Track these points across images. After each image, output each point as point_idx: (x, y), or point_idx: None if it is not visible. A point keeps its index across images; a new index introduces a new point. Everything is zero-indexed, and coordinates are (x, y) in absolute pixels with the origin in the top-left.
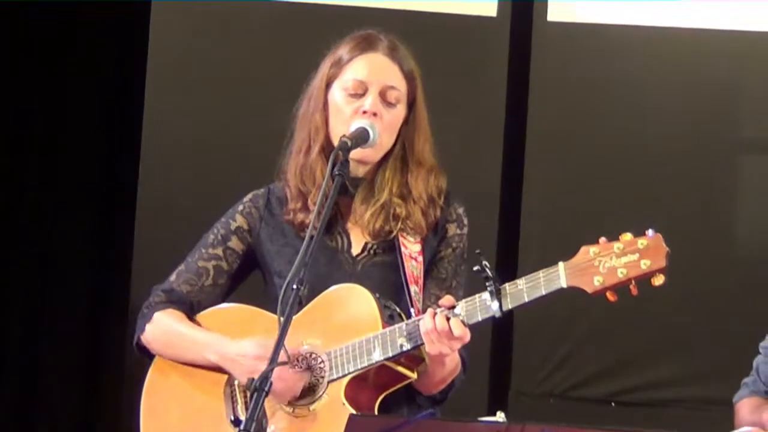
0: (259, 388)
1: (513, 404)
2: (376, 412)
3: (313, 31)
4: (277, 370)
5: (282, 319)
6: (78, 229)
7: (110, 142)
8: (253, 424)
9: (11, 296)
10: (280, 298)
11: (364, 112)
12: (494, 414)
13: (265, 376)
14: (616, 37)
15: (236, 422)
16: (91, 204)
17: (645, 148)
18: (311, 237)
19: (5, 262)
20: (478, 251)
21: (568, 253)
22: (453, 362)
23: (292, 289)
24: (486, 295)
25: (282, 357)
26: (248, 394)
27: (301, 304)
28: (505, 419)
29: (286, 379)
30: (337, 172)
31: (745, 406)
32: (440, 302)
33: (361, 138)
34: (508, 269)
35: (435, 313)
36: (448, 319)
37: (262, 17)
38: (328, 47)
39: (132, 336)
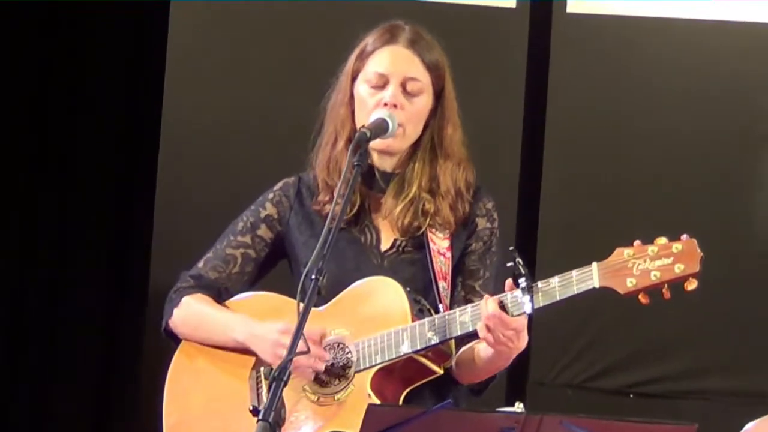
0: (278, 377)
1: (531, 395)
2: None
3: (333, 26)
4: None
5: (301, 308)
6: (97, 221)
7: (129, 137)
8: (272, 414)
9: (29, 286)
10: (299, 288)
11: (385, 104)
12: (513, 404)
13: (284, 366)
14: (636, 29)
15: (255, 412)
16: (110, 196)
17: (664, 139)
18: (329, 229)
19: (23, 252)
20: (511, 248)
21: (586, 243)
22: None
23: (311, 279)
24: (518, 292)
25: (301, 347)
26: None
27: (320, 294)
28: (523, 410)
29: (308, 355)
30: (356, 162)
31: None
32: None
33: (380, 128)
34: (526, 259)
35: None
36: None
37: (282, 14)
38: (346, 42)
39: (158, 324)
